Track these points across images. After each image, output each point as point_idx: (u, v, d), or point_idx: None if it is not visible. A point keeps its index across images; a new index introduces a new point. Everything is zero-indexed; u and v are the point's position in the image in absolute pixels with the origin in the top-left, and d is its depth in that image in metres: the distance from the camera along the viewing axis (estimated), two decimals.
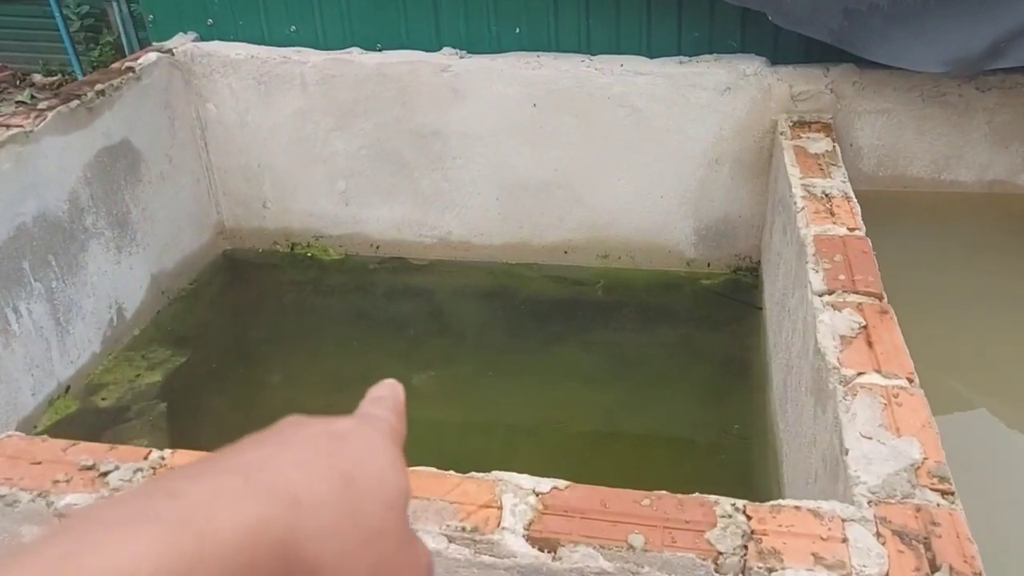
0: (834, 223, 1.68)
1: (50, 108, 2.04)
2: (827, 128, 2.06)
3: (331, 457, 0.29)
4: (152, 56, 2.34)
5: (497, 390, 2.12)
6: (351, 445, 0.31)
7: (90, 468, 1.18)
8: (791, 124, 2.08)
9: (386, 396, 0.38)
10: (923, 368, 1.26)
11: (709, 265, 2.40)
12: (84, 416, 2.00)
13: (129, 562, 0.21)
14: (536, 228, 2.45)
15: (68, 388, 2.04)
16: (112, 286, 2.19)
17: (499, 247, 2.50)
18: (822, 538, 1.02)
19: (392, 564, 0.29)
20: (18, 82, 4.65)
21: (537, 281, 2.47)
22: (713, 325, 2.27)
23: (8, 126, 1.94)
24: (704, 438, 2.00)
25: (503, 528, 1.07)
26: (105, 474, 1.16)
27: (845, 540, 1.01)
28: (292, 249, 2.62)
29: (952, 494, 1.07)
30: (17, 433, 1.28)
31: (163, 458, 1.19)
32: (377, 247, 2.57)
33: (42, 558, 0.21)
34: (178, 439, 1.96)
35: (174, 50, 2.40)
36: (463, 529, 1.07)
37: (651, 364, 2.18)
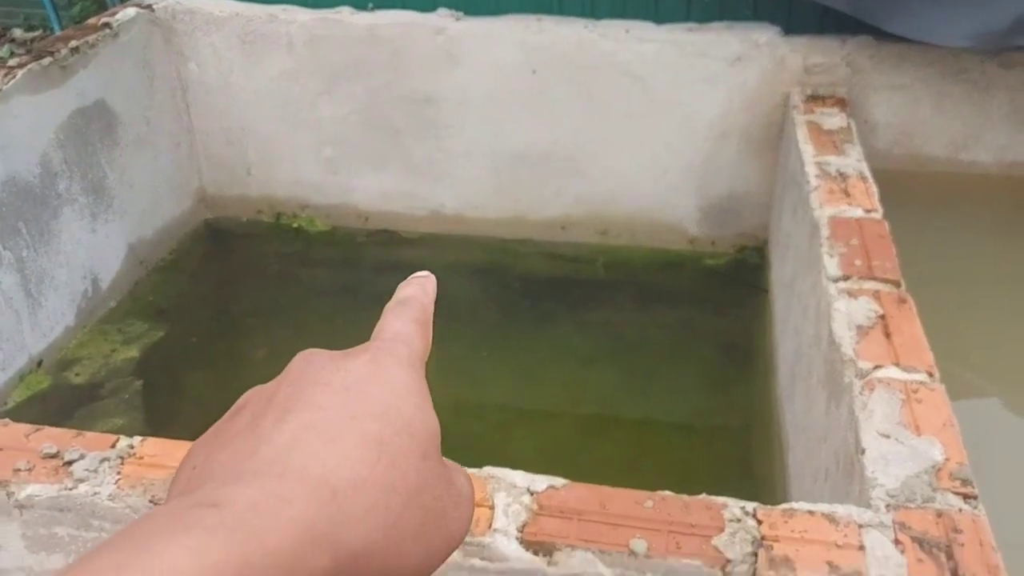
0: (849, 204, 1.59)
1: (20, 66, 1.92)
2: (842, 103, 1.96)
3: (358, 421, 0.28)
4: (131, 12, 2.22)
5: (490, 370, 2.05)
6: (374, 398, 0.29)
7: (54, 456, 1.10)
8: (804, 98, 1.99)
9: (411, 299, 0.35)
10: (937, 359, 1.19)
11: (713, 244, 2.31)
12: (57, 393, 1.91)
13: (177, 569, 0.21)
14: (533, 202, 2.36)
15: (40, 363, 1.95)
16: (87, 255, 2.08)
17: (493, 221, 2.40)
18: (837, 545, 0.95)
19: (435, 512, 0.29)
20: None
21: (533, 258, 2.38)
22: (716, 307, 2.19)
23: None
24: (704, 425, 1.93)
25: (495, 530, 1.00)
26: (69, 463, 1.09)
27: (862, 547, 0.94)
28: (277, 219, 2.52)
29: (975, 498, 1.01)
30: None
31: (131, 446, 1.12)
32: (366, 219, 2.47)
33: (92, 570, 0.21)
34: (154, 419, 1.88)
35: (154, 6, 2.27)
36: None
37: (650, 346, 2.10)
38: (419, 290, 0.36)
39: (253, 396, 0.31)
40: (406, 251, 2.41)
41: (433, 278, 0.36)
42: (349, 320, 2.15)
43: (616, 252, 2.34)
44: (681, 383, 1.99)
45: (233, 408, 0.31)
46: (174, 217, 2.41)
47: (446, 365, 2.00)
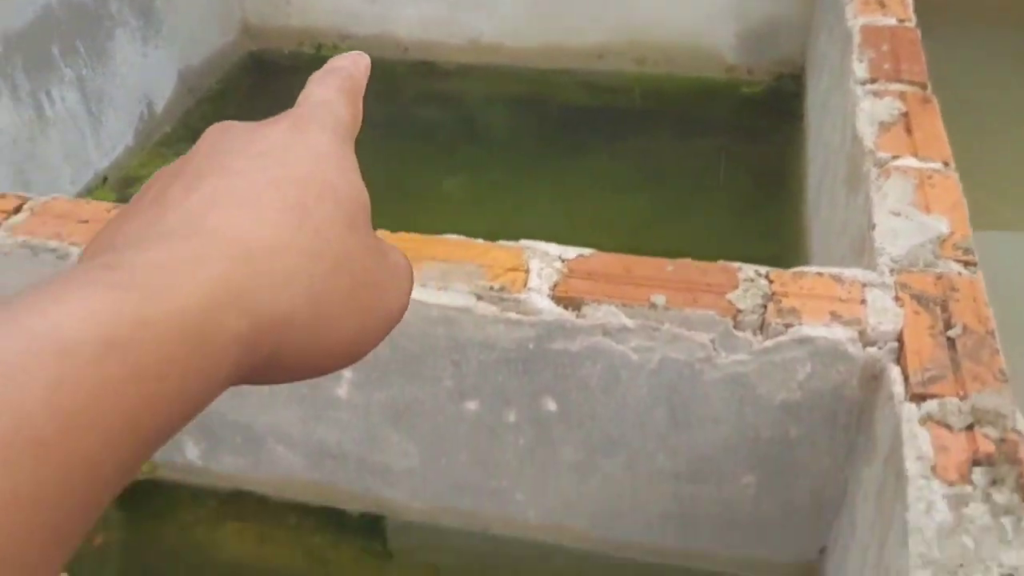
0: (884, 14, 1.60)
1: None
2: None
3: (278, 186, 0.26)
4: None
5: (526, 197, 2.12)
6: (296, 164, 0.27)
7: None
8: None
9: (340, 68, 0.32)
10: (965, 188, 1.21)
11: (750, 72, 2.31)
12: None
13: (61, 326, 0.19)
14: (570, 29, 2.36)
15: (105, 179, 2.08)
16: (140, 79, 2.17)
17: (532, 50, 2.42)
18: (841, 299, 1.05)
19: (368, 282, 0.27)
20: None
21: (570, 87, 2.41)
22: (751, 135, 2.22)
23: None
24: (734, 252, 2.00)
25: (529, 289, 1.10)
26: None
27: (864, 302, 1.04)
28: (318, 51, 2.56)
29: (975, 264, 1.08)
30: (63, 195, 1.33)
31: None
32: (405, 49, 2.50)
33: None
34: None
35: None
36: (491, 288, 1.11)
37: (685, 175, 2.15)
38: (350, 62, 0.33)
39: (162, 172, 0.29)
40: (445, 83, 2.45)
41: (367, 57, 0.34)
42: (392, 151, 2.23)
43: (653, 81, 2.36)
44: (713, 209, 2.05)
45: (143, 188, 0.29)
46: (219, 47, 2.47)
47: (482, 193, 2.08)
